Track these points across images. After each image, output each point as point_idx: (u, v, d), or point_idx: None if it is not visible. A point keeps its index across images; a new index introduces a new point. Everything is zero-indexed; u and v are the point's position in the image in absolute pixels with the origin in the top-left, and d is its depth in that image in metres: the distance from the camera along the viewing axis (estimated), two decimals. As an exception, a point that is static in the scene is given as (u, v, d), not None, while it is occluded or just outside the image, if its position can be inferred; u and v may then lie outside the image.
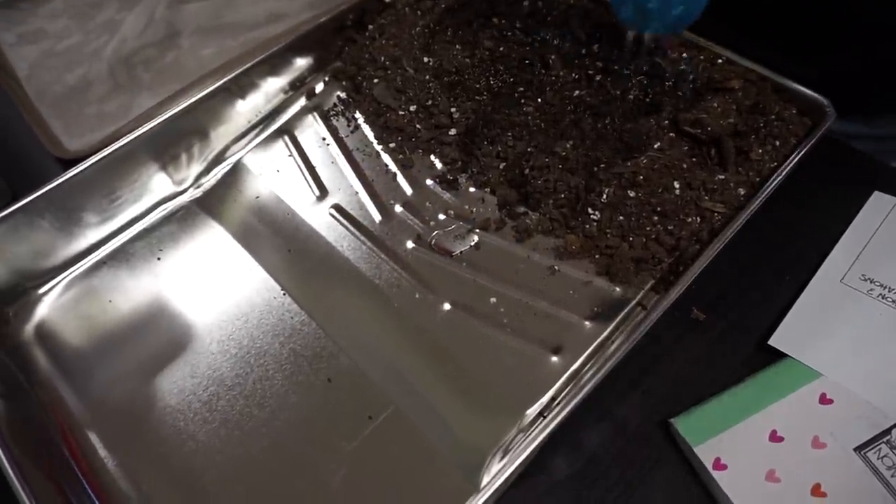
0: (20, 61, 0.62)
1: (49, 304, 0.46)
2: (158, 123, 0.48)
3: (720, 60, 0.49)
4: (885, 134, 0.55)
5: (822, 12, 0.51)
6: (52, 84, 0.60)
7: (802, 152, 0.43)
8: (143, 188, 0.50)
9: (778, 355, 0.42)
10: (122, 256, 0.48)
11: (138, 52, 0.62)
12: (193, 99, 0.50)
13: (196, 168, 0.52)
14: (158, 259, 0.48)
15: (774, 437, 0.38)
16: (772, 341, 0.42)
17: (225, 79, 0.51)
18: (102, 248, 0.48)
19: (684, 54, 0.50)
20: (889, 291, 0.44)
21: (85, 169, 0.46)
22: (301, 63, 0.56)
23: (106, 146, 0.47)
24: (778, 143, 0.45)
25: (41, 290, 0.46)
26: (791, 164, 0.43)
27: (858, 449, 0.38)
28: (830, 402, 0.39)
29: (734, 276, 0.46)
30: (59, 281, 0.47)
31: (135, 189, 0.49)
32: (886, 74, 0.52)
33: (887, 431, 0.38)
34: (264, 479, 0.38)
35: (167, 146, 0.50)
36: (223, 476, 0.38)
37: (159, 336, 0.44)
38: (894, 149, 0.54)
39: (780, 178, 0.42)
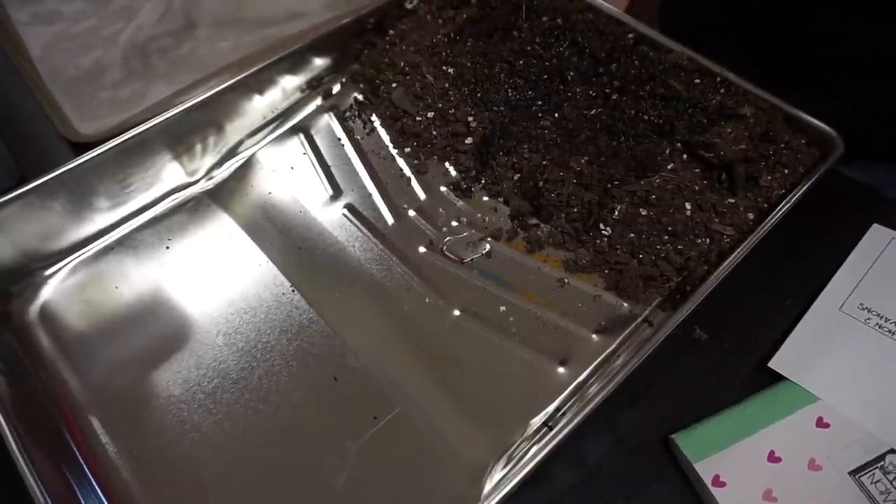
0: (33, 42, 0.61)
1: (54, 287, 0.45)
2: (175, 114, 0.48)
3: (733, 87, 0.50)
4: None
5: (830, 50, 0.53)
6: (66, 67, 0.59)
7: (811, 182, 0.44)
8: (156, 177, 0.49)
9: (777, 378, 0.43)
10: (129, 243, 0.48)
11: (154, 41, 0.62)
12: (211, 92, 0.50)
13: (209, 160, 0.52)
14: (167, 248, 0.48)
15: (772, 458, 0.39)
16: (772, 364, 0.43)
17: (244, 74, 0.51)
18: (111, 233, 0.48)
19: (697, 79, 0.51)
20: (885, 321, 0.45)
21: (100, 154, 0.46)
22: (319, 63, 0.56)
23: (118, 132, 0.47)
24: (787, 171, 0.46)
25: (47, 272, 0.46)
26: (800, 194, 0.44)
27: (853, 473, 0.39)
28: (827, 425, 0.40)
29: (737, 299, 0.46)
30: (66, 264, 0.46)
31: (147, 177, 0.49)
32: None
33: (881, 457, 0.39)
34: (266, 474, 0.38)
35: (182, 137, 0.50)
36: (224, 469, 0.38)
37: (164, 325, 0.44)
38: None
39: (788, 205, 0.43)
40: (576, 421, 0.36)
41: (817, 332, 0.45)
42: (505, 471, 0.38)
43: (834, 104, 0.47)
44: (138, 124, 0.47)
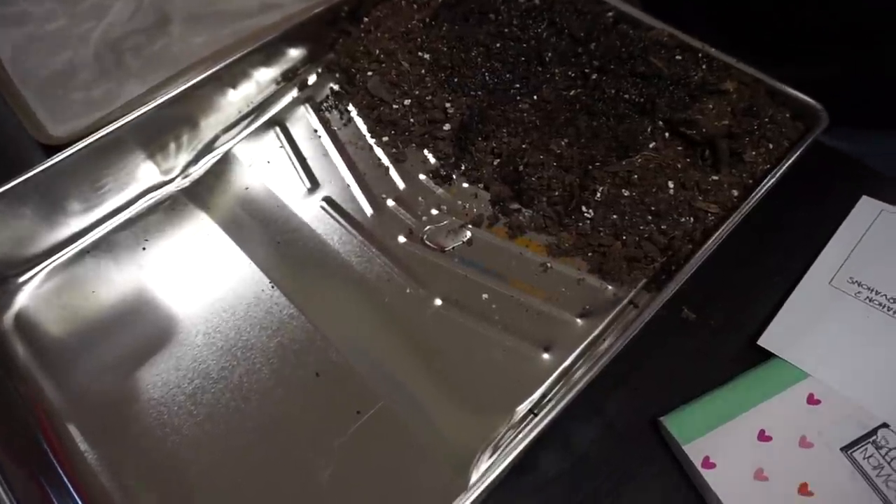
0: (3, 44, 0.60)
1: (29, 294, 0.45)
2: (147, 111, 0.47)
3: (715, 63, 0.49)
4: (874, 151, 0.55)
5: (813, 20, 0.52)
6: (37, 68, 0.58)
7: (795, 156, 0.44)
8: (130, 177, 0.48)
9: (767, 355, 0.42)
10: (105, 246, 0.47)
11: (127, 38, 0.61)
12: (183, 87, 0.49)
13: (184, 157, 0.51)
14: (143, 249, 0.47)
15: (763, 437, 0.39)
16: (761, 342, 0.43)
17: (216, 67, 0.50)
18: (86, 237, 0.47)
19: (678, 56, 0.50)
20: (876, 294, 0.44)
21: (70, 155, 0.45)
22: (294, 54, 0.55)
23: (91, 133, 0.46)
24: (771, 145, 0.45)
25: (21, 279, 0.45)
26: (784, 168, 0.43)
27: (845, 449, 0.38)
28: (818, 402, 0.40)
29: (724, 277, 0.46)
30: (41, 270, 0.46)
31: (120, 177, 0.48)
32: (878, 88, 0.52)
33: (873, 432, 0.38)
34: (250, 473, 0.37)
35: (155, 134, 0.49)
36: (207, 470, 0.38)
37: (143, 328, 0.43)
38: (882, 155, 0.54)
39: (772, 180, 0.42)
40: (561, 405, 0.35)
41: (807, 307, 0.44)
42: (491, 460, 0.37)
43: (816, 72, 0.46)
44: (111, 123, 0.46)
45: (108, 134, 0.46)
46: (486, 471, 0.34)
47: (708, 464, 0.38)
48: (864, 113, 0.53)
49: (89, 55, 0.59)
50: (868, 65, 0.52)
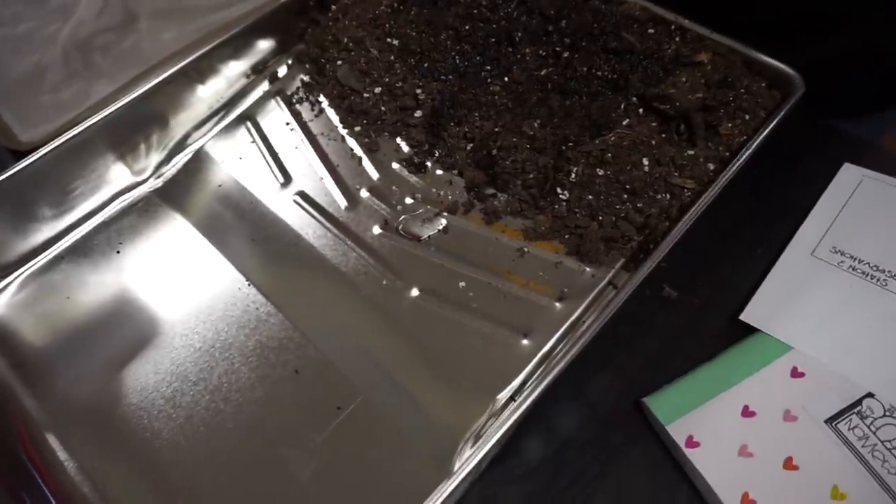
0: (-31, 50, 0.59)
1: (4, 303, 0.44)
2: (115, 110, 0.47)
3: (688, 34, 0.48)
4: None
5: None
6: (4, 72, 0.57)
7: (772, 126, 0.43)
8: (101, 179, 0.48)
9: (750, 330, 0.42)
10: (79, 251, 0.46)
11: (95, 37, 0.60)
12: (151, 84, 0.48)
13: (156, 157, 0.50)
14: (118, 253, 0.46)
15: (747, 413, 0.38)
16: (743, 316, 0.42)
17: (183, 63, 0.49)
18: (59, 242, 0.47)
19: (650, 29, 0.49)
20: (859, 263, 0.44)
21: (38, 160, 0.44)
22: (263, 46, 0.54)
23: (60, 135, 0.45)
24: (747, 116, 0.44)
25: (-5, 289, 0.45)
26: (760, 138, 0.42)
27: (829, 421, 0.38)
28: (802, 375, 0.39)
29: (705, 253, 0.45)
30: (14, 278, 0.45)
31: (91, 180, 0.47)
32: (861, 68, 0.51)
33: (858, 402, 0.38)
34: (232, 475, 0.37)
35: (125, 134, 0.48)
36: (189, 473, 0.37)
37: (120, 333, 0.43)
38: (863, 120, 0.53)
39: (749, 152, 0.42)
40: (540, 389, 0.35)
41: (789, 279, 0.44)
42: (474, 449, 0.37)
43: (795, 55, 0.45)
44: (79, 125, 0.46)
45: (76, 136, 0.45)
46: (467, 459, 0.34)
47: (692, 443, 0.37)
48: (842, 98, 0.52)
49: (57, 56, 0.58)
50: (847, 44, 0.50)
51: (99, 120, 0.46)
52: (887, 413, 0.37)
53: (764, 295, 0.43)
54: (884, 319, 0.41)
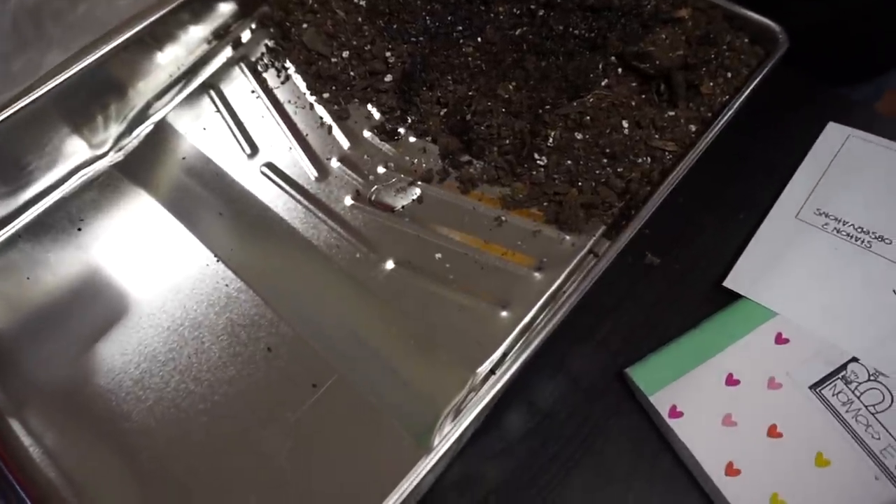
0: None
1: (-40, 286, 0.42)
2: (67, 78, 0.44)
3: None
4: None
5: None
6: (-50, 44, 0.54)
7: (754, 84, 0.41)
8: (57, 153, 0.45)
9: (733, 297, 0.41)
10: (38, 229, 0.44)
11: (46, 5, 0.56)
12: (104, 50, 0.46)
13: (115, 129, 0.48)
14: (79, 230, 0.44)
15: (730, 381, 0.38)
16: (726, 283, 0.41)
17: (137, 28, 0.46)
18: (15, 220, 0.45)
19: (632, -16, 0.47)
20: (844, 225, 0.43)
21: (-15, 135, 0.42)
22: (224, 9, 0.51)
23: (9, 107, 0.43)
24: (730, 74, 0.43)
25: (-51, 271, 0.43)
26: (743, 97, 0.41)
27: (814, 387, 0.37)
28: (786, 341, 0.39)
29: (688, 217, 0.44)
30: (-30, 259, 0.43)
31: (46, 154, 0.45)
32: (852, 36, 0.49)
33: (843, 367, 0.37)
34: (205, 456, 0.36)
35: (79, 105, 0.46)
36: (160, 456, 0.36)
37: (85, 313, 0.41)
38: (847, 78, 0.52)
39: (731, 112, 0.40)
40: (521, 360, 0.34)
41: (773, 243, 0.43)
42: (454, 425, 0.36)
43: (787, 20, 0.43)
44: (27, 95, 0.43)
45: (25, 106, 0.43)
46: (447, 435, 0.33)
47: (675, 413, 0.37)
48: (828, 61, 0.50)
49: (6, 25, 0.55)
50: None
51: (51, 89, 0.44)
52: (871, 377, 0.37)
53: (747, 260, 0.42)
54: (868, 282, 0.40)
